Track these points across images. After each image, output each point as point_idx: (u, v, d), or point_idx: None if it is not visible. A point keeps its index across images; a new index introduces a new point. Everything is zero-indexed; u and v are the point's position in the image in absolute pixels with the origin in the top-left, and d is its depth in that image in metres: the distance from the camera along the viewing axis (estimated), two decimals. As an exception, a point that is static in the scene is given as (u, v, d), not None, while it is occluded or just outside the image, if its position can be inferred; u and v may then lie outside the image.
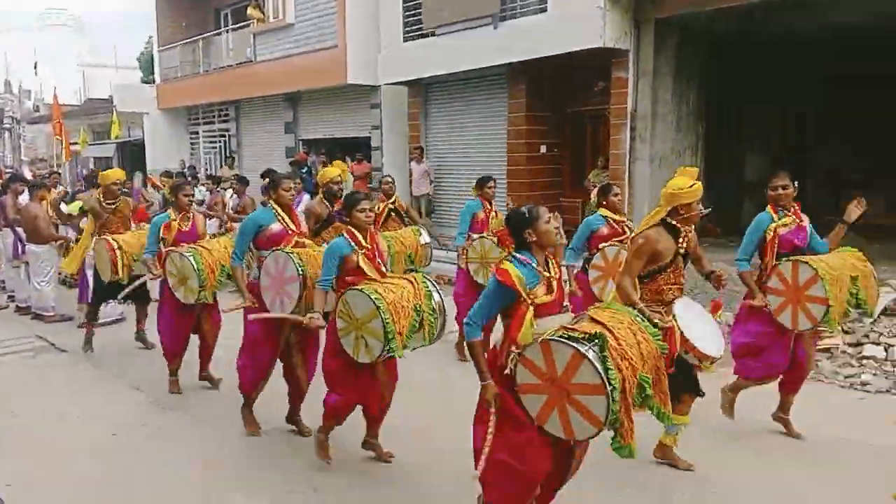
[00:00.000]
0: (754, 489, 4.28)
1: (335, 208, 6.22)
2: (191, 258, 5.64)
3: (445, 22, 12.53)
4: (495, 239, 6.57)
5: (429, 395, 5.70)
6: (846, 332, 6.76)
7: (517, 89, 12.27)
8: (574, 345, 2.96)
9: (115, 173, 7.48)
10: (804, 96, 13.67)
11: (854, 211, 4.73)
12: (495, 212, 6.96)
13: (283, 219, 5.04)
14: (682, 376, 4.04)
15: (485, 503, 3.41)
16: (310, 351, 5.17)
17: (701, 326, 4.03)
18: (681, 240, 4.16)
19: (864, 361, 6.34)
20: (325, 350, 4.47)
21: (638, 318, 3.27)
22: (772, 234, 4.76)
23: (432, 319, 4.20)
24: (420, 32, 13.37)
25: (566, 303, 3.48)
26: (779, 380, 5.02)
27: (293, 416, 5.29)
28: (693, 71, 11.33)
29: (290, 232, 5.01)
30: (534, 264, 3.29)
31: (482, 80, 12.94)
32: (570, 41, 10.47)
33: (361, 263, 4.26)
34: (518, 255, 3.33)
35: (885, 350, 6.41)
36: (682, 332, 3.88)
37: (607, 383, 2.87)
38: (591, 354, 2.92)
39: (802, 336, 4.89)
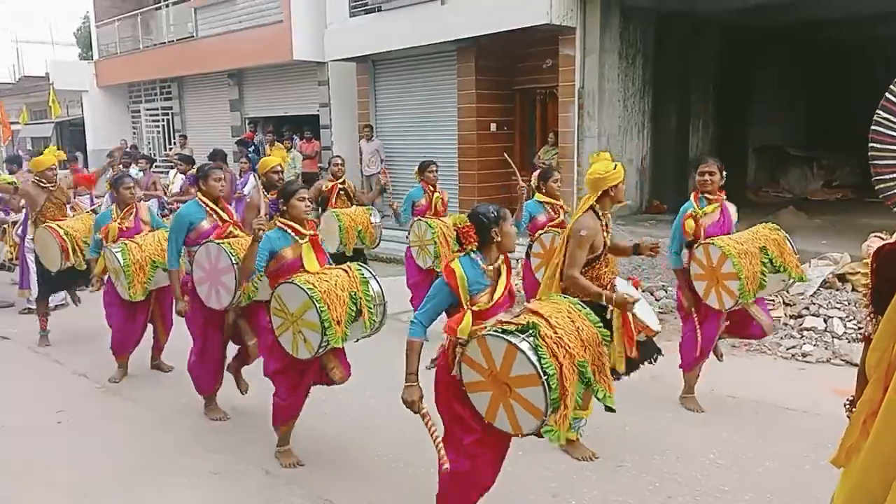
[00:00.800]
0: (697, 455, 4.41)
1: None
2: (118, 255, 5.44)
3: (393, -3, 12.40)
4: (430, 223, 6.60)
5: (372, 373, 5.69)
6: (787, 305, 6.97)
7: (466, 66, 12.24)
8: (507, 338, 2.96)
9: (48, 159, 6.89)
10: (744, 73, 13.97)
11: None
12: (439, 193, 6.97)
13: (213, 213, 4.90)
14: (644, 353, 4.23)
15: (437, 495, 3.41)
16: (260, 330, 5.08)
17: (640, 304, 4.14)
18: (605, 226, 4.28)
19: (805, 333, 6.55)
20: (264, 352, 4.34)
21: (578, 306, 3.27)
22: (694, 221, 4.86)
23: (370, 307, 4.06)
24: (367, 7, 13.20)
25: (515, 304, 3.44)
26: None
27: (235, 372, 5.20)
28: (638, 49, 11.46)
29: (221, 224, 4.88)
30: (483, 264, 3.25)
31: (431, 56, 12.85)
32: (517, 18, 10.48)
33: (304, 256, 4.10)
34: (472, 255, 3.26)
35: (825, 321, 6.62)
36: (633, 315, 3.97)
37: (541, 373, 2.87)
38: (524, 346, 2.92)
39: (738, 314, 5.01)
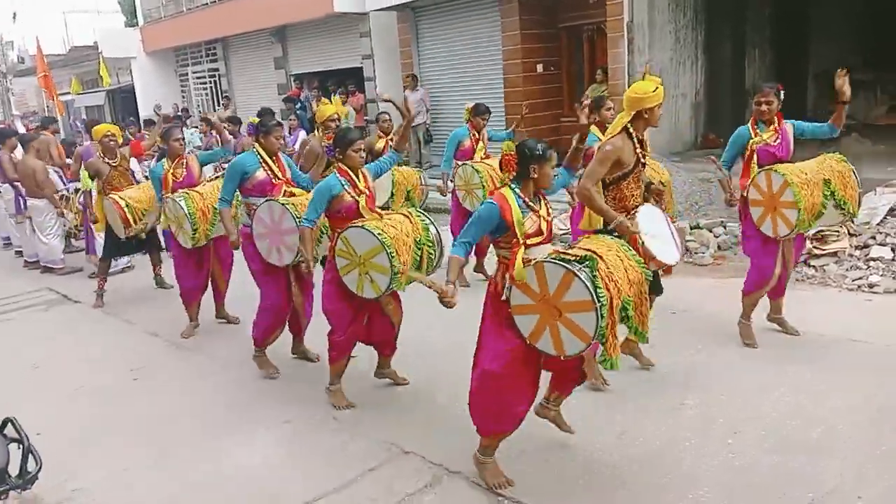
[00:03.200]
0: (763, 391, 4.36)
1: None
2: (182, 203, 5.67)
3: (432, -59, 12.15)
4: (476, 167, 6.60)
5: (434, 322, 5.75)
6: (852, 235, 6.76)
7: (509, 7, 11.96)
8: (566, 265, 3.12)
9: (107, 126, 7.33)
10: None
11: (843, 87, 4.62)
12: (483, 140, 6.93)
13: (267, 166, 4.97)
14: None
15: (473, 411, 3.58)
16: (305, 287, 5.20)
17: (660, 235, 4.14)
18: (639, 147, 4.22)
19: (872, 263, 6.35)
20: (322, 293, 4.45)
21: (625, 248, 3.42)
22: (749, 150, 4.88)
23: (431, 251, 4.27)
24: (406, -46, 12.96)
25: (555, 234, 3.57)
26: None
27: (298, 348, 5.46)
28: (690, -23, 11.03)
29: (275, 181, 4.96)
30: (523, 198, 3.39)
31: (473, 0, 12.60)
32: (561, -47, 10.16)
33: (359, 203, 4.24)
34: (511, 185, 3.42)
35: (893, 251, 6.41)
36: (642, 243, 3.96)
37: (596, 300, 3.03)
38: (582, 274, 3.08)
39: (785, 243, 4.96)
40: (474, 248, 7.02)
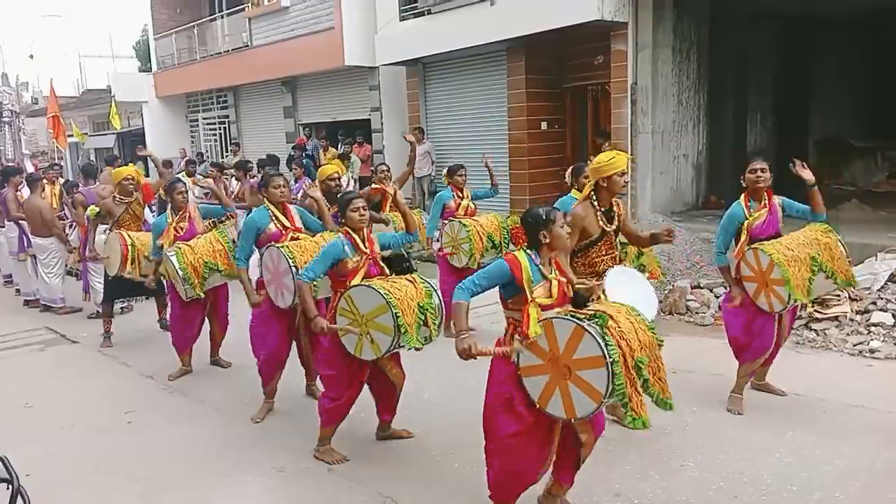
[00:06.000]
0: (763, 454, 4.31)
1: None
2: (173, 259, 5.72)
3: None
4: (464, 222, 6.67)
5: (429, 375, 5.72)
6: (853, 300, 6.76)
7: (516, 66, 12.21)
8: (575, 320, 3.08)
9: (127, 169, 7.38)
10: (803, 63, 13.59)
11: (802, 174, 4.72)
12: (466, 196, 7.03)
13: (276, 218, 5.09)
14: None
15: (487, 474, 3.50)
16: (314, 338, 5.20)
17: (630, 293, 4.08)
18: (608, 216, 4.35)
19: (873, 328, 6.34)
20: (319, 358, 4.48)
21: (636, 312, 3.33)
22: (744, 231, 4.86)
23: (434, 319, 4.18)
24: (416, 11, 13.28)
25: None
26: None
27: (310, 389, 5.51)
28: (692, 42, 11.26)
29: (283, 231, 5.08)
30: (539, 265, 3.36)
31: (480, 57, 12.87)
32: (567, 15, 10.40)
33: (361, 268, 4.22)
34: (528, 251, 3.39)
35: (893, 317, 6.40)
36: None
37: (607, 354, 2.96)
38: (592, 329, 3.03)
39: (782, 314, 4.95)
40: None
